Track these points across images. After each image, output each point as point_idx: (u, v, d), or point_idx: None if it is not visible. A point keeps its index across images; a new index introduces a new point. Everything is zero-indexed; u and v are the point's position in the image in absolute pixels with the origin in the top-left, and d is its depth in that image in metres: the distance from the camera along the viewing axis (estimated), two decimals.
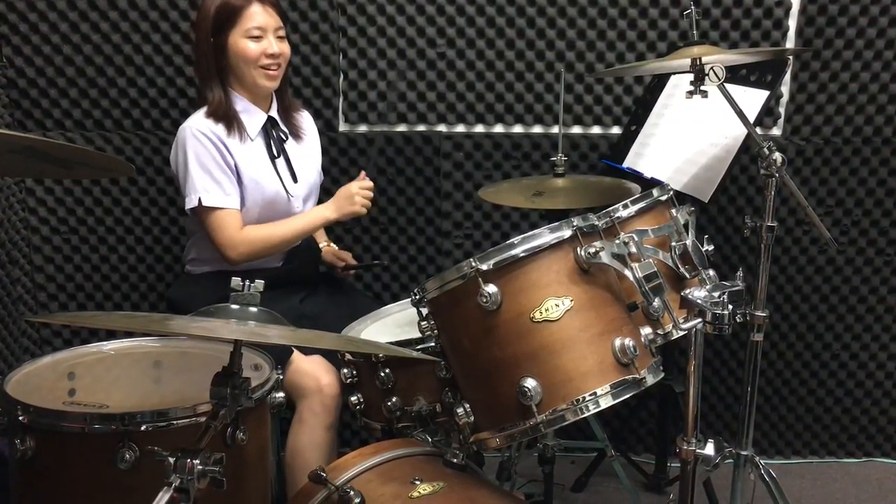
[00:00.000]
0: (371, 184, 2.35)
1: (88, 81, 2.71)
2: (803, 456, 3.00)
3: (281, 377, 1.79)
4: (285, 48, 2.28)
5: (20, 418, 1.57)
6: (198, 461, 1.26)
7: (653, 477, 2.74)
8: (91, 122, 2.75)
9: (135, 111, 2.75)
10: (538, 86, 2.76)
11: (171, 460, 1.26)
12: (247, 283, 1.52)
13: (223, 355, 1.38)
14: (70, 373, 1.83)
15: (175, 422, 1.56)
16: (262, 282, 1.54)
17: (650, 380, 1.57)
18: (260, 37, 2.21)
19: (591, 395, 1.51)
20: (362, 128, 2.81)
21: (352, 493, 1.55)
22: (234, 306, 1.51)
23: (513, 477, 2.40)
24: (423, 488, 1.56)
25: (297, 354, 2.13)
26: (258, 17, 2.21)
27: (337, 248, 2.59)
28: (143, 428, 1.54)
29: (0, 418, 1.62)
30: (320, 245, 2.52)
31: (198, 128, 2.21)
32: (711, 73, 1.83)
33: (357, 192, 2.31)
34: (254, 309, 1.52)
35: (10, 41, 2.67)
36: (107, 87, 2.72)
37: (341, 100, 2.78)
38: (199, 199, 2.19)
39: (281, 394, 1.78)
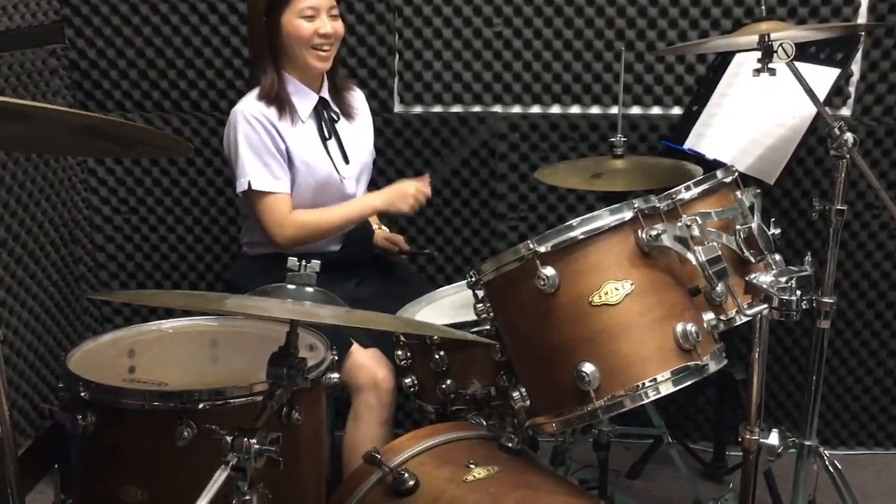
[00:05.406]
0: (429, 190, 2.37)
1: (148, 63, 2.75)
2: (868, 447, 2.91)
3: (336, 359, 1.79)
4: (339, 27, 2.27)
5: (82, 394, 1.59)
6: (255, 440, 1.27)
7: (710, 465, 2.69)
8: (150, 103, 2.79)
9: (193, 92, 2.77)
10: (597, 65, 2.70)
11: (229, 439, 1.27)
12: (303, 263, 1.51)
13: (279, 335, 1.38)
14: (130, 350, 1.85)
15: (232, 400, 1.57)
16: (318, 262, 1.53)
17: (713, 367, 1.53)
18: (313, 16, 2.20)
19: (650, 381, 1.47)
20: (417, 108, 2.79)
21: (406, 475, 1.55)
22: (291, 286, 1.51)
23: (567, 462, 2.38)
24: (478, 472, 1.56)
25: (355, 347, 2.13)
26: None
27: (388, 231, 2.58)
28: (200, 406, 1.55)
29: (63, 394, 1.66)
30: (372, 228, 2.52)
31: (249, 111, 2.21)
32: (780, 50, 1.77)
33: (412, 195, 2.32)
34: (310, 289, 1.52)
35: (72, 23, 2.72)
36: (166, 68, 2.75)
37: (396, 80, 2.76)
38: (249, 183, 2.20)
39: (335, 375, 1.78)
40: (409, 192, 2.32)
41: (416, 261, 2.87)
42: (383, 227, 2.57)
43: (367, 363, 2.12)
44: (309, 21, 2.20)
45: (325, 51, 2.25)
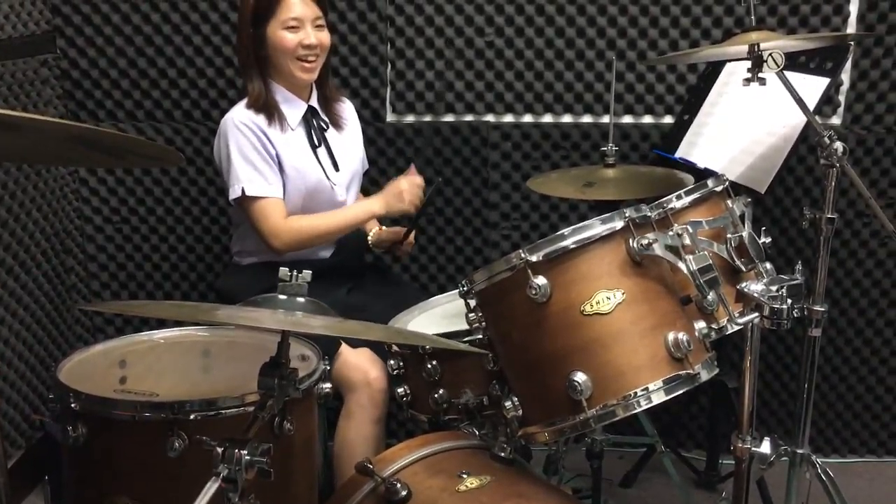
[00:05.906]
0: (421, 180, 2.35)
1: (140, 72, 2.74)
2: (860, 454, 2.91)
3: (328, 368, 1.79)
4: (324, 38, 2.27)
5: (72, 405, 1.59)
6: (245, 452, 1.26)
7: (703, 474, 2.69)
8: (142, 112, 2.78)
9: (185, 102, 2.77)
10: (588, 75, 2.71)
11: (220, 450, 1.27)
12: (294, 273, 1.51)
13: (271, 345, 1.38)
14: (121, 361, 1.85)
15: (223, 411, 1.57)
16: (310, 272, 1.53)
17: (704, 375, 1.53)
18: (297, 27, 2.21)
19: (642, 390, 1.48)
20: (410, 118, 2.79)
21: (398, 485, 1.54)
22: (282, 296, 1.50)
23: (560, 471, 2.38)
24: (471, 482, 1.55)
25: (344, 347, 2.13)
26: (296, 7, 2.20)
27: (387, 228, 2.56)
28: (192, 417, 1.55)
29: (53, 405, 1.65)
30: (372, 230, 2.50)
31: (239, 119, 2.22)
32: (770, 59, 1.77)
33: (406, 189, 2.30)
34: (301, 299, 1.51)
35: (64, 33, 2.71)
36: (158, 78, 2.75)
37: (389, 90, 2.77)
38: (243, 189, 2.20)
39: (328, 384, 1.77)
40: (401, 188, 2.31)
41: (410, 270, 2.86)
42: (383, 227, 2.55)
43: (359, 362, 2.11)
44: (293, 32, 2.21)
45: (310, 62, 2.25)
